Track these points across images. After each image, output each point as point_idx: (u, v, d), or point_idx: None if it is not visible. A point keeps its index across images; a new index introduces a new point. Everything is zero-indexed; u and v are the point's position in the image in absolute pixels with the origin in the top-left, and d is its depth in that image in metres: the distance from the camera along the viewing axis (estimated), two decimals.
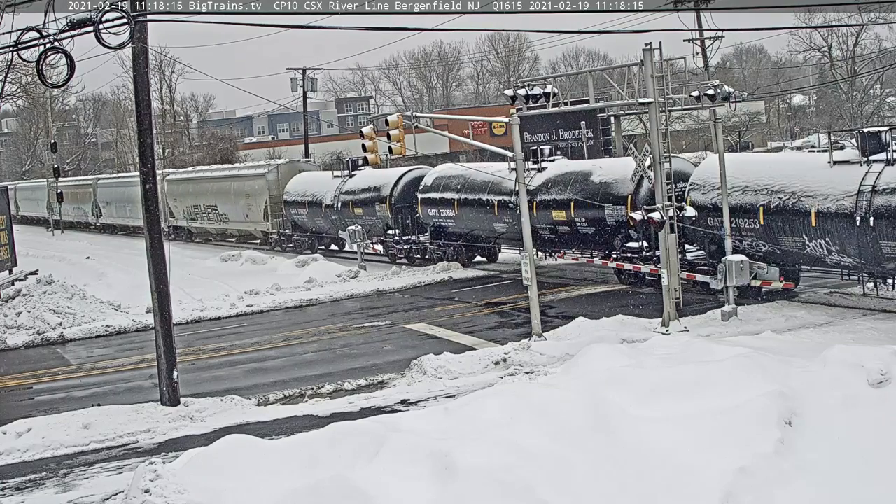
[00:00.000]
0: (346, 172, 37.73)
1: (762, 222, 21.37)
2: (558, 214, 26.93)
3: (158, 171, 58.53)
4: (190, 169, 57.43)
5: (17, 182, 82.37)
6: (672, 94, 21.13)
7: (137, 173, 64.28)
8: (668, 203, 20.62)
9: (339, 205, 36.88)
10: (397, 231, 34.35)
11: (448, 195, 31.41)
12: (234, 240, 49.03)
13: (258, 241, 46.27)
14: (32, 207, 77.21)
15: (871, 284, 21.32)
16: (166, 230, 50.28)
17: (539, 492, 10.02)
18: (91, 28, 13.57)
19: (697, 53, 36.40)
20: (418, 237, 33.58)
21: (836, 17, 56.08)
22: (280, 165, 44.08)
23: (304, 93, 55.09)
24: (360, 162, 34.43)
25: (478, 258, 32.80)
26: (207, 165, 60.53)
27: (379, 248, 36.30)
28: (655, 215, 19.92)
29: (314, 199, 38.86)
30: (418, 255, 33.59)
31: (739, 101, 23.56)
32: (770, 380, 12.27)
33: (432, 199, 32.23)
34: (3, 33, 15.56)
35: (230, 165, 55.95)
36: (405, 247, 33.96)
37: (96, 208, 64.93)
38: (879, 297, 21.21)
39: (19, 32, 13.93)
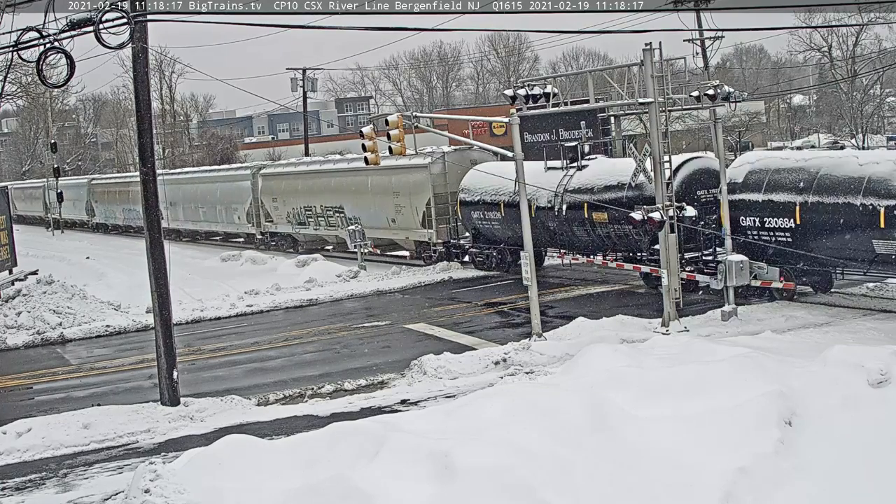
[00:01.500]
0: (570, 163, 26.78)
1: None
2: None
3: (250, 165, 47.67)
4: (294, 160, 46.56)
5: (47, 180, 76.56)
6: (672, 94, 21.13)
7: (216, 168, 50.58)
8: (669, 203, 20.62)
9: (564, 207, 26.56)
10: None
11: (781, 197, 21.46)
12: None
13: (407, 255, 35.94)
14: (67, 209, 68.71)
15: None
16: (260, 237, 43.68)
17: (539, 492, 10.03)
18: (91, 28, 13.57)
19: (697, 53, 36.46)
20: (714, 254, 23.24)
21: (836, 17, 56.11)
22: (448, 153, 32.32)
23: (304, 93, 55.13)
24: (587, 149, 26.92)
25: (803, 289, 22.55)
26: (323, 156, 47.97)
27: (627, 266, 26.10)
28: (655, 215, 19.91)
29: (516, 200, 26.52)
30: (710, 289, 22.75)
31: (739, 101, 23.54)
32: (770, 380, 12.28)
33: (751, 202, 22.12)
34: (3, 33, 15.59)
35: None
36: (687, 269, 23.16)
37: None
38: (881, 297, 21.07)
39: (19, 32, 13.94)
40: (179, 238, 50.94)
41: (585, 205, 25.88)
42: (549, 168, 27.25)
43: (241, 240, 46.97)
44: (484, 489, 10.05)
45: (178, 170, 58.22)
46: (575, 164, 26.68)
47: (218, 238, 50.29)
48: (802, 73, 79.55)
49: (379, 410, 15.54)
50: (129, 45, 14.93)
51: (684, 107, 22.79)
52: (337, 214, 37.47)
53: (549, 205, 27.01)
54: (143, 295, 21.44)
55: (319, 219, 38.86)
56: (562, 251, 28.53)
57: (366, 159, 21.47)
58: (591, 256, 26.95)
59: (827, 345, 14.87)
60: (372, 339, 22.38)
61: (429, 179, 32.04)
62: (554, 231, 27.39)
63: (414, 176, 32.56)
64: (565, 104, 23.66)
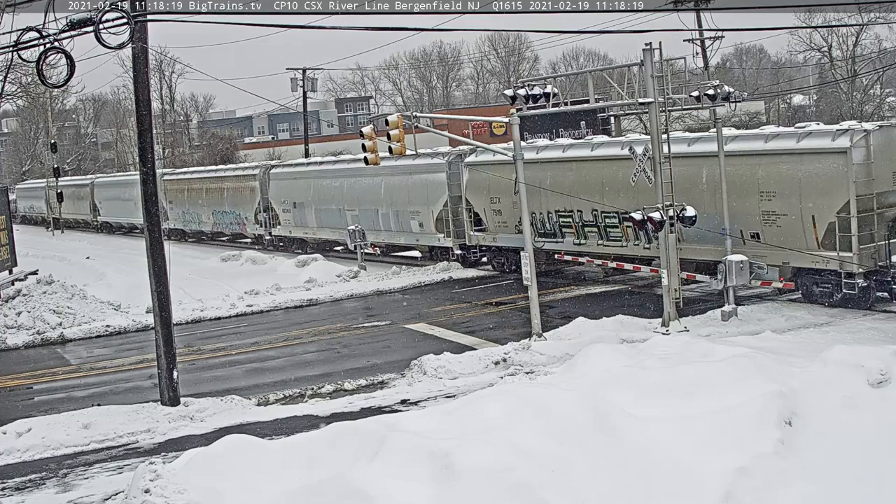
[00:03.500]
0: None
1: None
2: None
3: (445, 150, 32.53)
4: (535, 142, 30.47)
5: (97, 176, 66.76)
6: (672, 94, 21.11)
7: (346, 157, 40.24)
8: (669, 203, 20.60)
9: None
10: None
11: None
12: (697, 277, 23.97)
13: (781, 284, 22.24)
14: (125, 210, 55.35)
15: None
16: (459, 252, 31.37)
17: (539, 492, 10.03)
18: (91, 28, 13.59)
19: (697, 53, 36.40)
20: None
21: (836, 17, 56.08)
22: (873, 132, 20.50)
23: (304, 93, 55.06)
24: None
25: None
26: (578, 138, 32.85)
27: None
28: (655, 215, 19.91)
29: None
30: None
31: (739, 101, 23.51)
32: (770, 380, 12.29)
33: None
34: (3, 33, 15.63)
35: (703, 133, 26.26)
36: None
37: (266, 212, 42.22)
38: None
39: (19, 32, 13.96)
40: (304, 248, 39.44)
41: None
42: None
43: (419, 255, 34.33)
44: (484, 489, 10.05)
45: (309, 159, 45.03)
46: None
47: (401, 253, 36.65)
48: (802, 73, 79.52)
49: (379, 410, 15.55)
50: (129, 45, 14.94)
51: (684, 107, 22.76)
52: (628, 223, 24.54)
53: None
54: (143, 295, 21.44)
55: (587, 229, 26.47)
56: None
57: (366, 160, 21.34)
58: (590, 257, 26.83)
59: (827, 345, 14.87)
60: (372, 339, 22.38)
61: (847, 172, 20.18)
62: None
63: (816, 166, 20.77)
64: (565, 104, 23.64)
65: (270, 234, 42.42)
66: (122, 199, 56.19)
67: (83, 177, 69.07)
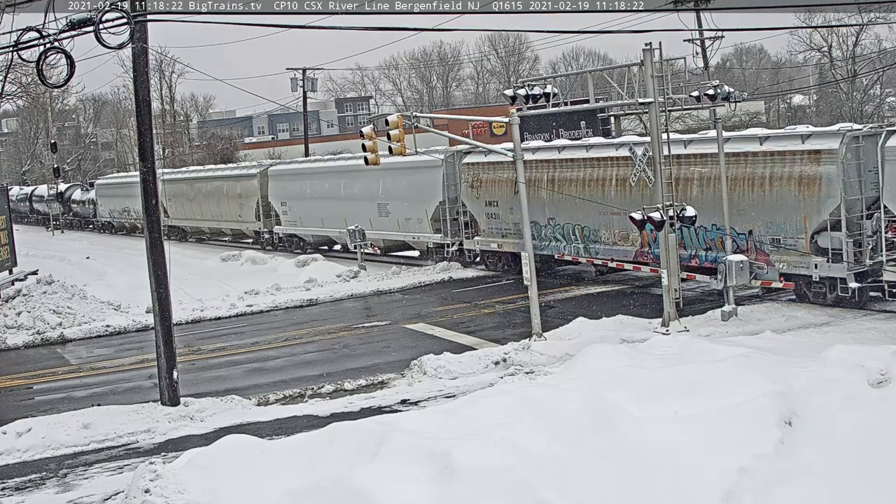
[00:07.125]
0: None
1: None
2: None
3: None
4: None
5: (274, 162, 46.15)
6: (672, 94, 21.10)
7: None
8: (669, 203, 20.60)
9: None
10: None
11: None
12: None
13: None
14: (331, 218, 35.89)
15: None
16: None
17: (539, 492, 10.03)
18: (91, 28, 13.58)
19: (697, 53, 36.45)
20: None
21: (836, 17, 56.07)
22: None
23: (304, 93, 55.07)
24: None
25: None
26: None
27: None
28: (655, 215, 19.90)
29: None
30: None
31: (739, 101, 23.52)
32: (770, 380, 12.29)
33: None
34: (3, 33, 15.61)
35: None
36: None
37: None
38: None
39: (19, 32, 13.95)
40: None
41: None
42: None
43: None
44: (484, 489, 10.05)
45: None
46: None
47: None
48: (802, 73, 79.50)
49: (379, 410, 15.55)
50: (129, 45, 14.93)
51: (684, 107, 22.76)
52: None
53: None
54: (143, 295, 21.44)
55: None
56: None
57: (365, 159, 21.39)
58: (591, 256, 26.85)
59: (827, 345, 14.87)
60: (372, 339, 22.38)
61: None
62: None
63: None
64: (565, 104, 23.63)
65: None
66: (337, 199, 35.51)
67: (247, 163, 46.59)
